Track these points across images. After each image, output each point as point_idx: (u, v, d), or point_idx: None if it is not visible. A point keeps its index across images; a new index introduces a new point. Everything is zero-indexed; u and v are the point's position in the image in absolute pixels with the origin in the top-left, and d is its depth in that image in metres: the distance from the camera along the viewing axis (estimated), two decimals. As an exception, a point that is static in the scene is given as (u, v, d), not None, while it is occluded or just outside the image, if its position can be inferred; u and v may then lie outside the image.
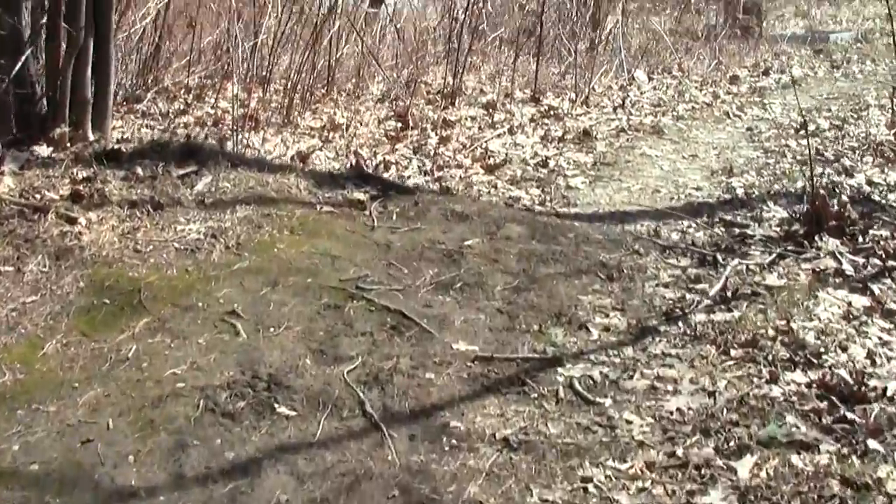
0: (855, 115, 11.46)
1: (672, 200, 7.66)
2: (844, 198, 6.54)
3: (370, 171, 7.93)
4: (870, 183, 8.22)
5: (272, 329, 4.43)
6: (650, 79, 13.86)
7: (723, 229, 6.49)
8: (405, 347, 4.35)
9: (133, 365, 4.04)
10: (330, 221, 5.81)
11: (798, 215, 6.46)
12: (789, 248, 5.85)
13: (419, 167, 8.32)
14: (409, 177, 7.96)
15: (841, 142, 9.96)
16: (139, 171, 6.00)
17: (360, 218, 5.94)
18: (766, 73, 15.04)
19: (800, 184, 8.15)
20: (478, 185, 7.78)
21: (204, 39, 11.30)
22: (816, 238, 5.95)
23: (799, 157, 9.22)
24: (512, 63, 12.79)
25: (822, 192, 6.39)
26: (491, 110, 10.95)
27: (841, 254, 5.76)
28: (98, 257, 4.98)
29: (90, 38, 6.71)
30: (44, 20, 6.60)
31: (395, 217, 6.07)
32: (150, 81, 10.17)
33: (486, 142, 9.41)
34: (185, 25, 11.41)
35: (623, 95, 12.35)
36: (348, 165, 7.91)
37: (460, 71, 11.60)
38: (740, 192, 7.89)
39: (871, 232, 6.17)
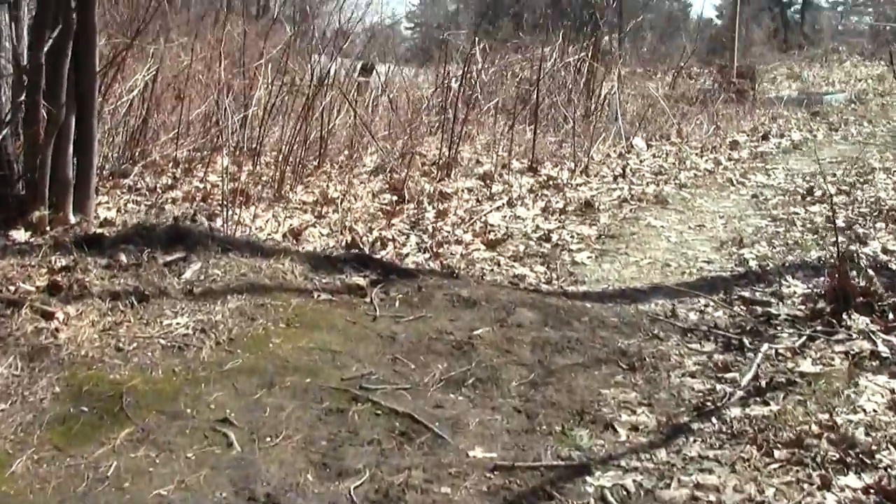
0: (861, 180, 11.17)
1: (684, 275, 7.30)
2: (870, 272, 6.15)
3: (366, 248, 7.60)
4: (885, 251, 7.90)
5: (269, 439, 3.99)
6: (649, 146, 13.58)
7: (743, 308, 6.09)
8: (417, 457, 3.91)
9: (113, 485, 3.59)
10: (329, 311, 5.38)
11: (822, 291, 6.10)
12: (818, 328, 5.46)
13: (418, 244, 7.95)
14: (407, 254, 7.58)
15: (851, 208, 9.65)
16: (123, 257, 5.61)
17: (361, 306, 5.50)
18: (765, 137, 14.78)
19: (814, 253, 7.84)
20: (480, 263, 7.40)
21: (193, 111, 10.98)
22: (845, 316, 5.58)
23: (809, 226, 8.92)
24: (507, 132, 12.48)
25: (843, 265, 5.98)
26: (488, 181, 10.62)
27: (874, 333, 5.38)
28: (76, 357, 4.54)
29: (72, 116, 6.37)
30: (23, 97, 6.27)
31: (398, 304, 5.64)
32: (137, 155, 9.84)
33: (485, 215, 9.06)
34: (174, 97, 11.13)
35: (623, 164, 12.04)
36: (343, 243, 7.56)
37: (455, 141, 11.28)
38: (753, 264, 7.54)
39: (901, 307, 5.82)
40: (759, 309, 5.99)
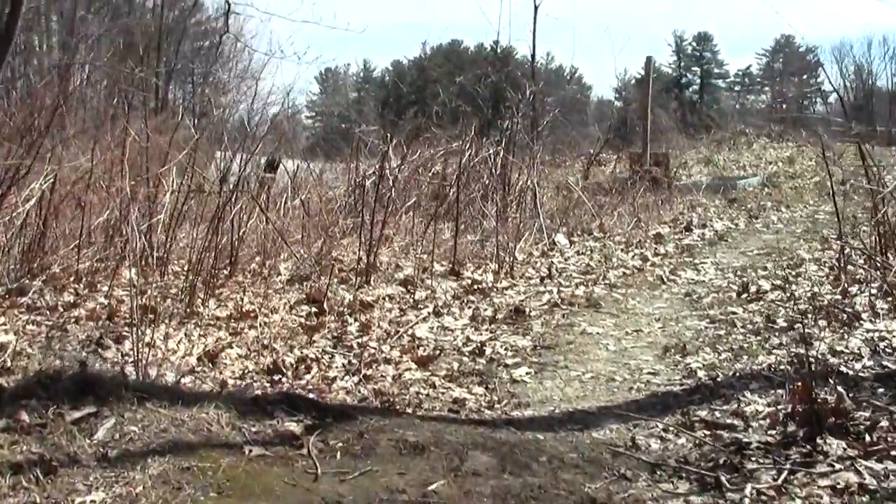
0: (794, 273, 10.87)
1: (631, 391, 6.85)
2: (839, 388, 5.72)
3: (289, 372, 7.07)
4: (833, 352, 7.53)
5: None
6: (571, 242, 13.23)
7: (707, 433, 5.62)
8: None
9: None
10: (264, 471, 4.69)
11: (787, 409, 5.66)
12: (796, 459, 4.98)
13: (344, 366, 7.41)
14: (334, 378, 7.05)
15: (788, 305, 9.30)
16: (24, 416, 4.88)
17: (299, 461, 4.81)
18: (687, 228, 14.52)
19: (762, 359, 7.46)
20: (414, 386, 6.87)
21: (94, 220, 10.37)
22: (819, 440, 5.13)
23: (750, 326, 8.56)
24: (426, 233, 12.03)
25: (807, 384, 5.53)
26: (410, 287, 10.15)
27: (853, 459, 4.93)
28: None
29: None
30: None
31: (339, 455, 4.98)
32: (35, 268, 9.20)
33: (411, 327, 8.56)
34: (74, 205, 10.53)
35: (548, 263, 11.65)
36: (265, 367, 7.03)
37: (374, 245, 10.81)
38: (702, 374, 7.11)
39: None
40: (726, 434, 5.51)
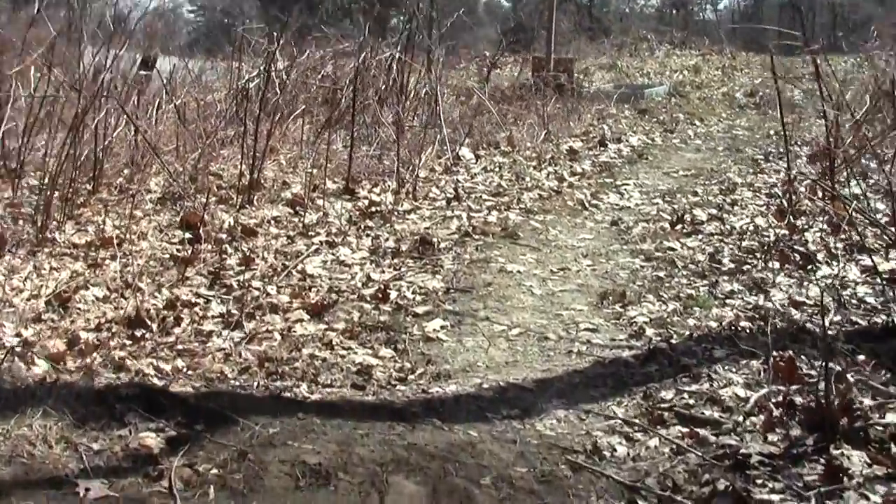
0: (728, 200, 9.77)
1: (570, 355, 5.66)
2: (849, 377, 4.57)
3: (155, 324, 5.77)
4: (794, 304, 6.47)
5: None
6: (477, 157, 11.94)
7: (681, 430, 4.43)
8: None
9: None
10: None
11: (782, 402, 4.52)
12: (813, 481, 3.82)
13: (222, 315, 6.10)
14: (210, 333, 5.75)
15: (730, 240, 8.22)
16: None
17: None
18: (602, 143, 13.32)
19: (715, 311, 6.35)
20: (308, 346, 5.60)
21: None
22: (834, 450, 4.00)
23: (693, 267, 7.44)
24: (317, 144, 10.65)
25: (829, 379, 4.32)
26: (299, 209, 8.83)
27: (886, 481, 3.80)
28: None
29: None
30: None
31: (212, 491, 3.55)
32: None
33: (301, 262, 7.27)
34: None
35: (454, 182, 10.36)
36: (125, 318, 5.71)
37: (258, 158, 9.43)
38: (652, 333, 5.95)
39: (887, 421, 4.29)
40: (712, 437, 4.31)
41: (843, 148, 9.34)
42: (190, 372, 5.09)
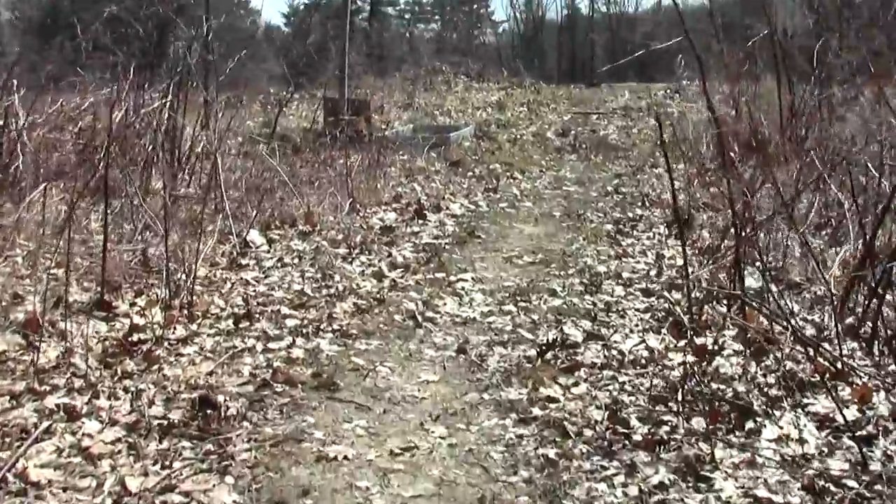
0: (601, 306, 7.69)
1: None
2: None
3: None
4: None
5: None
6: (270, 242, 9.53)
7: None
8: None
9: None
10: None
11: None
12: None
13: None
14: None
15: (626, 379, 6.12)
16: None
17: None
18: (419, 214, 11.08)
19: None
20: None
21: None
22: None
23: (589, 434, 5.26)
24: (63, 230, 7.98)
25: None
26: (32, 336, 6.30)
27: None
28: None
29: None
30: None
31: None
32: None
33: (23, 454, 4.77)
34: None
35: (243, 286, 7.95)
36: None
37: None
38: None
39: None
40: None
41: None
42: None
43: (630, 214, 11.13)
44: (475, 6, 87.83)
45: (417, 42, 68.73)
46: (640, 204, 11.78)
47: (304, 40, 27.87)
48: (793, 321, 6.33)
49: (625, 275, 8.40)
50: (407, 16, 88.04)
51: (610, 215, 11.27)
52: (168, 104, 11.52)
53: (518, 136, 19.27)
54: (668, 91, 27.75)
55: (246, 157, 13.25)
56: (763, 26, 14.86)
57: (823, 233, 9.45)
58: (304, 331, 6.93)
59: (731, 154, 11.41)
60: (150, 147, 11.22)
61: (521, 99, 24.07)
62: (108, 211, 8.34)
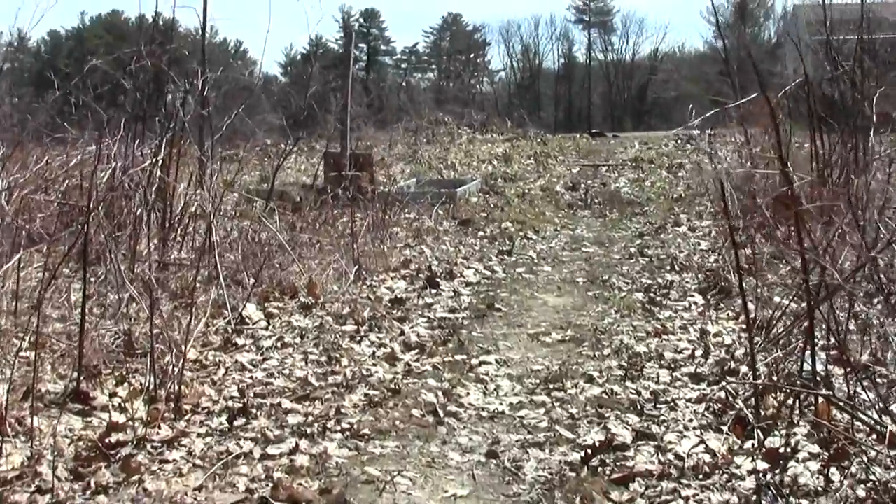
0: (646, 395, 6.72)
1: None
2: None
3: None
4: None
5: None
6: (269, 317, 8.62)
7: None
8: None
9: None
10: None
11: None
12: None
13: None
14: None
15: (691, 493, 5.17)
16: None
17: None
18: (431, 282, 10.16)
19: None
20: None
21: None
22: None
23: None
24: (38, 307, 7.06)
25: None
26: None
27: None
28: None
29: None
30: None
31: None
32: None
33: None
34: None
35: (237, 367, 7.06)
36: None
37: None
38: None
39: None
40: None
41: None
42: None
43: (660, 280, 10.20)
44: (472, 55, 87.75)
45: (415, 92, 68.30)
46: (668, 268, 10.87)
47: (303, 91, 27.02)
48: (874, 415, 5.44)
49: (667, 355, 7.46)
50: (404, 65, 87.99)
51: (638, 281, 10.34)
52: (160, 162, 10.65)
53: (527, 191, 18.43)
54: (680, 140, 26.98)
55: (243, 216, 12.35)
56: (781, 73, 14.08)
57: (876, 301, 8.53)
58: (309, 430, 5.98)
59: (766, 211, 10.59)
60: (139, 208, 10.33)
61: (528, 150, 23.25)
62: (88, 282, 7.48)
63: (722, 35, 30.34)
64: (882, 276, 8.80)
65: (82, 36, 61.09)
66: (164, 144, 10.87)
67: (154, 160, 10.60)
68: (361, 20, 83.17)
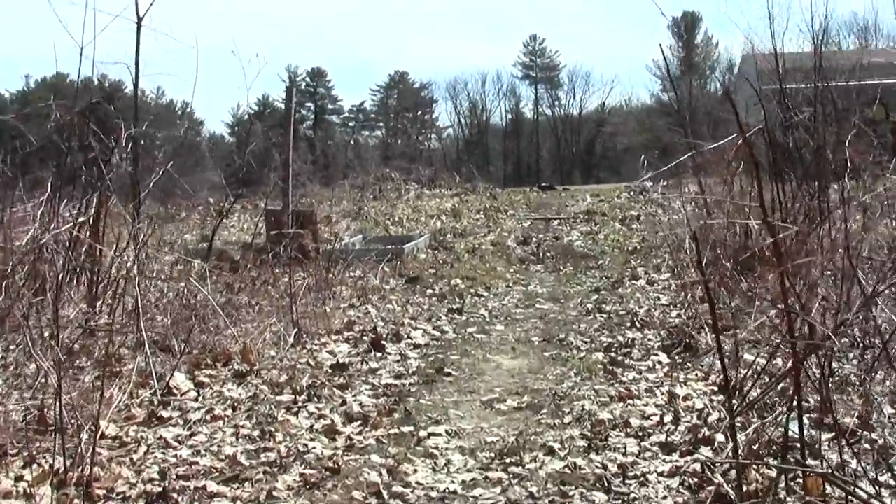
0: (613, 468, 6.03)
1: None
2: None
3: None
4: None
5: None
6: (199, 387, 7.92)
7: None
8: None
9: None
10: None
11: None
12: None
13: None
14: None
15: None
16: None
17: None
18: (376, 346, 9.49)
19: None
20: None
21: None
22: None
23: None
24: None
25: None
26: None
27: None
28: None
29: None
30: None
31: None
32: None
33: None
34: None
35: (160, 444, 6.36)
36: None
37: None
38: None
39: None
40: None
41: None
42: None
43: (621, 338, 9.58)
44: (420, 112, 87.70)
45: (363, 149, 67.97)
46: (628, 325, 10.26)
47: (246, 149, 26.44)
48: (867, 486, 4.86)
49: (634, 422, 6.81)
50: (351, 123, 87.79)
51: (597, 340, 9.71)
52: (90, 221, 9.97)
53: (477, 246, 17.82)
54: (633, 192, 26.60)
55: (179, 277, 11.65)
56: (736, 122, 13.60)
57: (851, 356, 8.00)
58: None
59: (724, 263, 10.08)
60: (64, 271, 9.61)
61: (477, 205, 22.70)
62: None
63: (674, 86, 30.13)
64: (857, 329, 8.29)
65: (27, 98, 60.52)
66: (91, 203, 10.20)
67: (76, 220, 9.92)
68: (308, 79, 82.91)
